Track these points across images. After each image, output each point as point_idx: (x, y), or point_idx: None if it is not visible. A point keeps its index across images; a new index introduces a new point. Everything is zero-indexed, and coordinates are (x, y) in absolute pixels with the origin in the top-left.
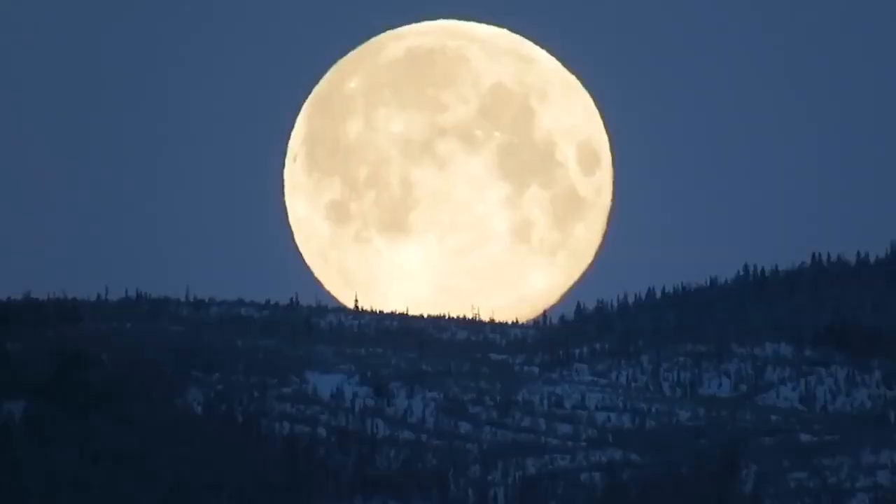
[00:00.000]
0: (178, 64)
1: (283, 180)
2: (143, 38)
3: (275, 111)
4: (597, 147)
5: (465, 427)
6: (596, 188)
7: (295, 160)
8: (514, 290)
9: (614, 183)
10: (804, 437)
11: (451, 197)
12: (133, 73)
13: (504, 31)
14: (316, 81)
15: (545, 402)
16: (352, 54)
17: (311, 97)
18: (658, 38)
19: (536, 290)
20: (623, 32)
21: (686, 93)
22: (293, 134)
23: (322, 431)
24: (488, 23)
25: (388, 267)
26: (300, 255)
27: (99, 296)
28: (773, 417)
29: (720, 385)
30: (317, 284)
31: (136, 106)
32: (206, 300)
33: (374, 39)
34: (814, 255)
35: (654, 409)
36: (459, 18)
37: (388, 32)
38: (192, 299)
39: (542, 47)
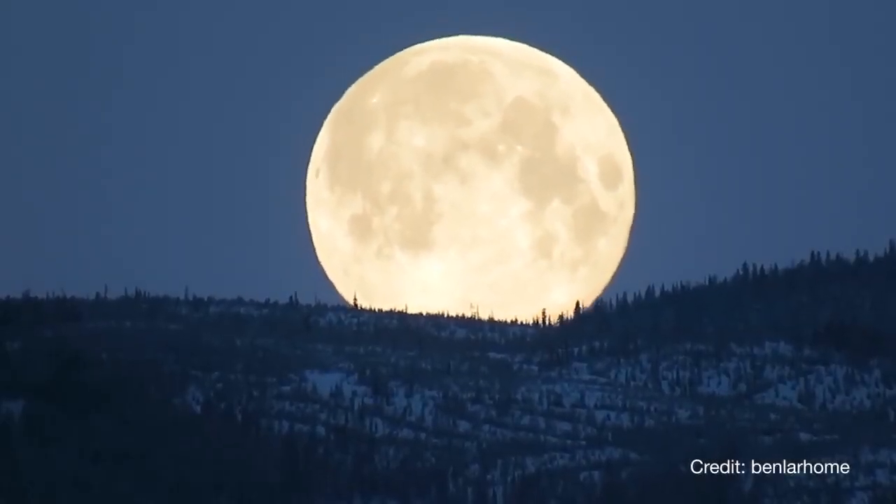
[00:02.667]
0: (198, 75)
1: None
2: (159, 47)
3: (297, 125)
4: (619, 162)
5: (464, 426)
6: (618, 203)
7: (317, 175)
8: (535, 305)
9: (637, 197)
10: (803, 436)
11: (474, 212)
12: (144, 78)
13: (525, 46)
14: (338, 96)
15: (544, 400)
16: (374, 69)
17: (333, 112)
18: (660, 42)
19: (558, 306)
20: (639, 43)
21: (686, 93)
22: (315, 149)
23: (321, 430)
24: (510, 38)
25: (411, 282)
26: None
27: (98, 295)
28: (773, 416)
29: (719, 384)
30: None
31: (144, 111)
32: (206, 299)
33: (396, 55)
34: (813, 253)
35: (653, 408)
36: (481, 34)
37: (411, 48)
38: (191, 298)
39: (564, 62)
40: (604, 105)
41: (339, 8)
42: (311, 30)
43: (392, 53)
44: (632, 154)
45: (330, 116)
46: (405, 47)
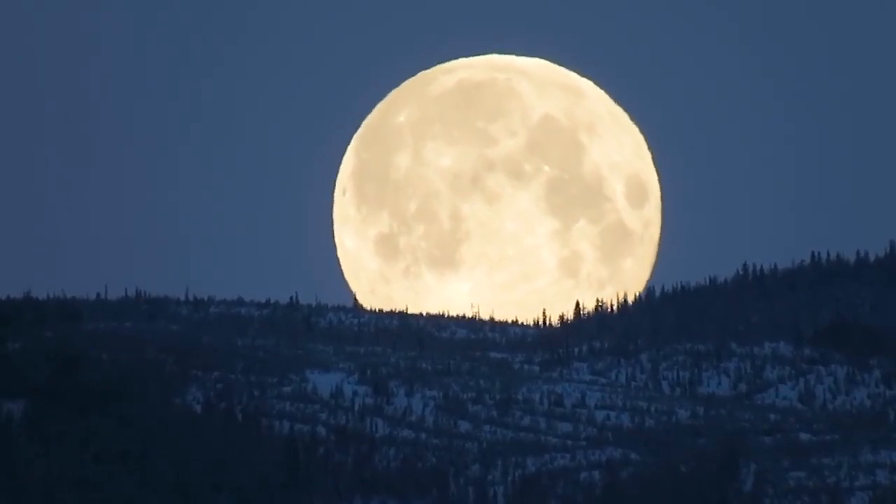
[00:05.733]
0: (217, 86)
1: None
2: (179, 54)
3: (324, 144)
4: (645, 181)
5: (464, 426)
6: (644, 222)
7: (344, 194)
8: None
9: (663, 216)
10: (803, 437)
11: (500, 231)
12: (154, 83)
13: (552, 64)
14: (365, 114)
15: (545, 400)
16: (401, 87)
17: (360, 130)
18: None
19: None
20: (665, 61)
21: (686, 92)
22: (342, 167)
23: (322, 430)
24: (536, 56)
25: (438, 301)
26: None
27: (98, 295)
28: (773, 416)
29: (719, 384)
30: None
31: (152, 114)
32: (206, 299)
33: (422, 73)
34: (813, 254)
35: (653, 408)
36: (508, 52)
37: (438, 66)
38: (191, 298)
39: (590, 80)
40: (631, 124)
41: (366, 26)
42: (339, 47)
43: (418, 71)
44: (658, 173)
45: (357, 134)
46: (432, 65)
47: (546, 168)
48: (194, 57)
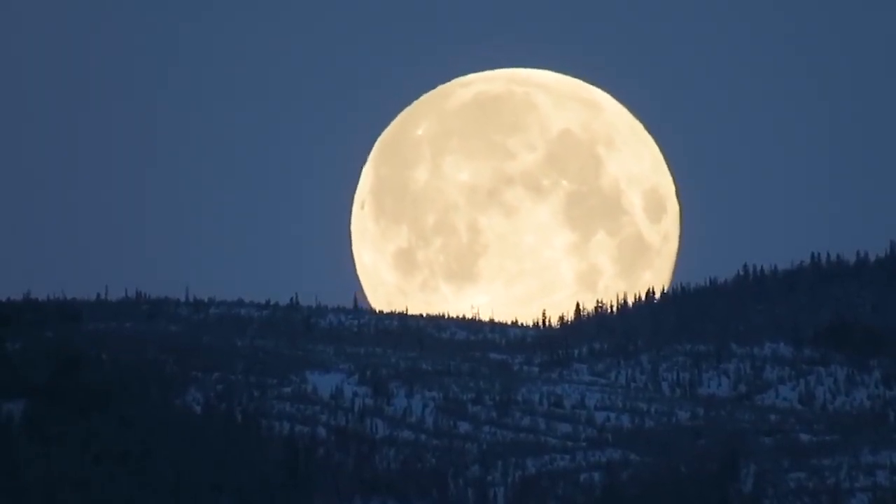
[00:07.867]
0: (235, 98)
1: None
2: (194, 63)
3: (342, 157)
4: (663, 194)
5: (464, 427)
6: (663, 235)
7: (363, 207)
8: None
9: (681, 229)
10: (803, 437)
11: (519, 244)
12: (158, 86)
13: (570, 78)
14: (384, 127)
15: (544, 401)
16: (419, 100)
17: (378, 143)
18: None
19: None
20: (683, 74)
21: (686, 91)
22: (360, 181)
23: (321, 431)
24: (554, 70)
25: (455, 315)
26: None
27: (99, 296)
28: (773, 417)
29: (719, 385)
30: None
31: (154, 115)
32: (206, 300)
33: (441, 86)
34: (813, 254)
35: (653, 409)
36: (526, 66)
37: (455, 80)
38: (191, 299)
39: (608, 93)
40: (648, 137)
41: (385, 39)
42: (358, 61)
43: (436, 85)
44: (676, 186)
45: (375, 148)
46: (449, 79)
47: (564, 182)
48: (205, 62)
